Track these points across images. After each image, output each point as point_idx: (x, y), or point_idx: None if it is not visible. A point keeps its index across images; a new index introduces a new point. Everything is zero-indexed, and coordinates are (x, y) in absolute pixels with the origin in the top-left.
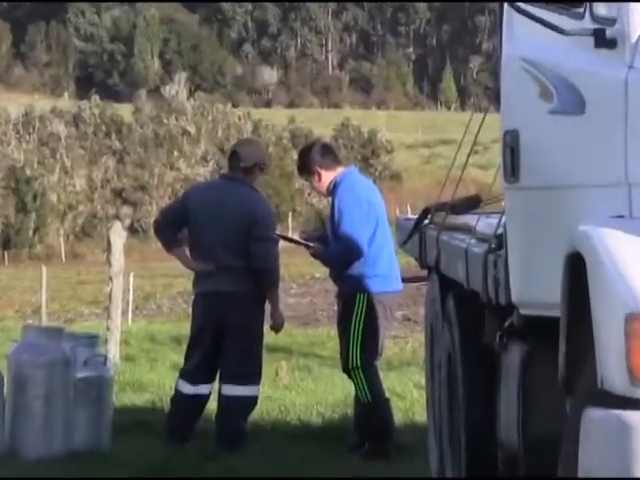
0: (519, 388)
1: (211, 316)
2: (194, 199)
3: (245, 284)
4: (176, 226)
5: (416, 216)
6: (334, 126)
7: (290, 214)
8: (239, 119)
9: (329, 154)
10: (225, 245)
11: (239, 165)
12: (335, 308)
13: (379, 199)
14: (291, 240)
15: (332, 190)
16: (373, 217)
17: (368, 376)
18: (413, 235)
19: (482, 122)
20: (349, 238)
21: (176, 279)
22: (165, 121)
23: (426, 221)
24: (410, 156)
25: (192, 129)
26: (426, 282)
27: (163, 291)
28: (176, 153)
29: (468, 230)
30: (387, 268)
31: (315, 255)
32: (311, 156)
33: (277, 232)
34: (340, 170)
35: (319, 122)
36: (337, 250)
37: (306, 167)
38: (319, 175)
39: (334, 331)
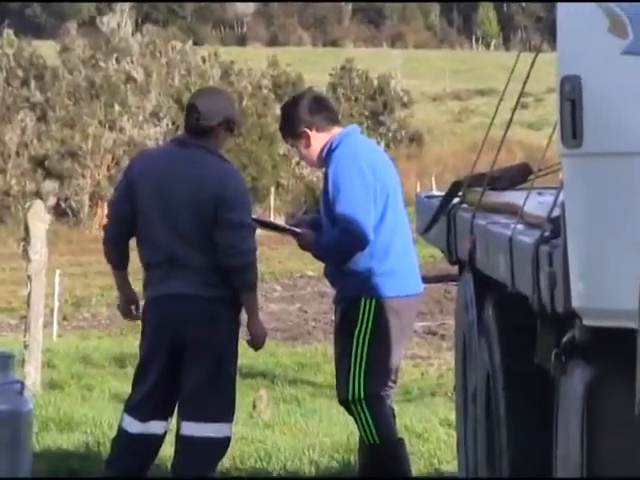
0: (582, 422)
1: (167, 329)
2: (139, 172)
3: (212, 286)
4: (126, 225)
5: (443, 193)
6: (332, 70)
7: (272, 190)
8: (203, 61)
9: (321, 109)
10: (183, 234)
11: (199, 124)
12: (332, 318)
13: (390, 169)
14: (273, 226)
15: (326, 158)
16: (382, 194)
17: (375, 410)
18: (438, 219)
19: (532, 65)
20: (349, 222)
21: None
22: (102, 64)
23: (456, 200)
24: (435, 111)
25: (139, 75)
26: (456, 282)
27: (101, 295)
28: (118, 107)
29: (513, 212)
30: (402, 263)
31: (304, 245)
32: (297, 113)
33: (254, 216)
34: (336, 131)
35: (311, 65)
36: (333, 238)
37: (291, 128)
38: (307, 138)
39: (331, 349)
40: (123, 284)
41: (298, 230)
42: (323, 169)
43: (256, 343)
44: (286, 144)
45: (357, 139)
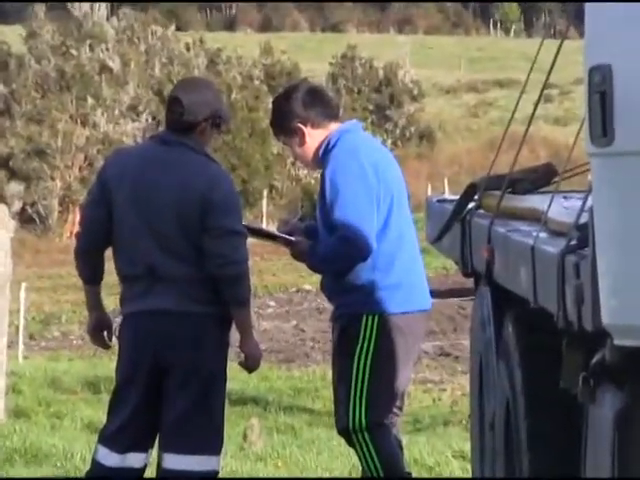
0: (614, 454)
1: (147, 350)
2: (115, 173)
3: (198, 301)
4: (101, 233)
5: (457, 197)
6: (332, 59)
7: (265, 194)
8: (187, 49)
9: (317, 103)
10: (165, 243)
11: (183, 119)
12: (331, 337)
13: (395, 170)
14: (264, 234)
15: (322, 158)
16: (386, 197)
17: (379, 440)
18: (452, 225)
19: (557, 54)
20: (349, 229)
21: None
22: (74, 52)
23: (472, 204)
24: (448, 105)
25: (115, 64)
26: (472, 297)
27: (72, 311)
28: (91, 101)
29: (536, 218)
30: (408, 275)
31: (298, 255)
32: (290, 106)
33: (244, 222)
34: (334, 127)
35: (309, 53)
36: (331, 247)
37: (283, 123)
38: (302, 135)
39: (331, 372)
40: (94, 303)
41: (291, 238)
42: (320, 170)
43: (250, 365)
44: (279, 142)
45: (358, 136)
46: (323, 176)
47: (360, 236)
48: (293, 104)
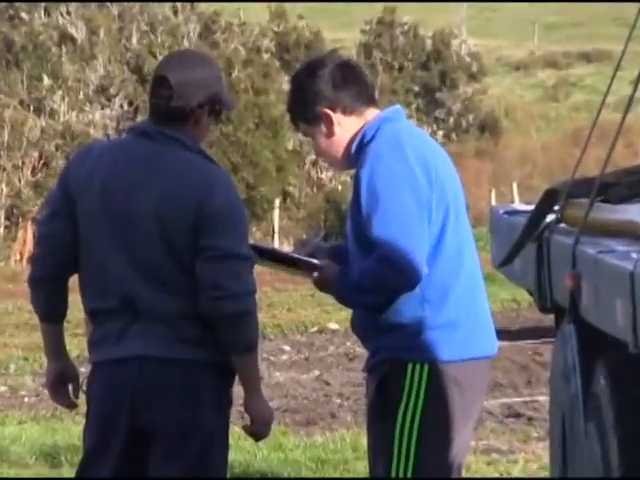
0: None
1: (123, 409)
2: (82, 178)
3: (190, 344)
4: (63, 256)
5: (530, 207)
6: (364, 25)
7: (277, 203)
8: (174, 13)
9: (351, 82)
10: (146, 268)
11: (170, 106)
12: (365, 392)
13: (451, 171)
14: (278, 257)
15: (356, 154)
16: (439, 206)
17: None
18: (524, 245)
19: None
20: (392, 248)
21: None
22: (25, 16)
23: (551, 217)
24: (518, 86)
25: (79, 33)
26: (549, 340)
27: (24, 359)
28: (47, 81)
29: (636, 235)
30: (467, 310)
31: (323, 283)
32: (315, 86)
33: (252, 242)
34: (371, 115)
35: (334, 18)
36: (367, 273)
37: (305, 108)
38: (330, 123)
39: (365, 438)
40: (55, 347)
41: (315, 261)
42: (351, 170)
43: (258, 430)
44: (297, 132)
45: (402, 126)
46: (357, 179)
47: (407, 258)
48: (319, 83)
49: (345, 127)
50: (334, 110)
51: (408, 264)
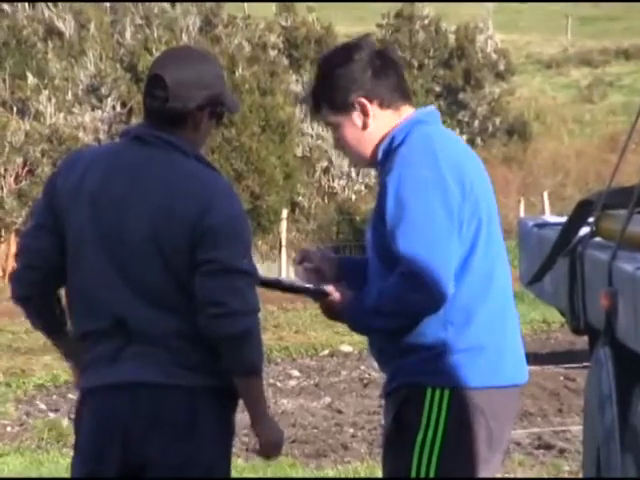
0: None
1: (115, 440)
2: (70, 187)
3: (189, 369)
4: (49, 272)
5: (562, 219)
6: (381, 20)
7: (285, 214)
8: (171, 4)
9: (392, 72)
10: (141, 286)
11: (167, 108)
12: (381, 422)
13: (486, 182)
14: (284, 288)
15: (384, 157)
16: (472, 220)
17: None
18: (555, 261)
19: None
20: (418, 263)
21: (39, 358)
22: (7, 8)
23: (585, 229)
24: (550, 86)
25: (68, 27)
26: (583, 365)
27: (6, 385)
28: (33, 79)
29: None
30: (494, 333)
31: (333, 310)
32: (352, 72)
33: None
34: (406, 113)
35: (347, 10)
36: (389, 291)
37: (337, 95)
38: (365, 114)
39: (380, 472)
40: (73, 348)
41: (323, 289)
42: (367, 179)
43: (268, 453)
44: (318, 119)
45: (435, 131)
46: (383, 185)
47: (433, 277)
48: (356, 69)
49: (380, 122)
50: (371, 101)
51: (434, 284)
